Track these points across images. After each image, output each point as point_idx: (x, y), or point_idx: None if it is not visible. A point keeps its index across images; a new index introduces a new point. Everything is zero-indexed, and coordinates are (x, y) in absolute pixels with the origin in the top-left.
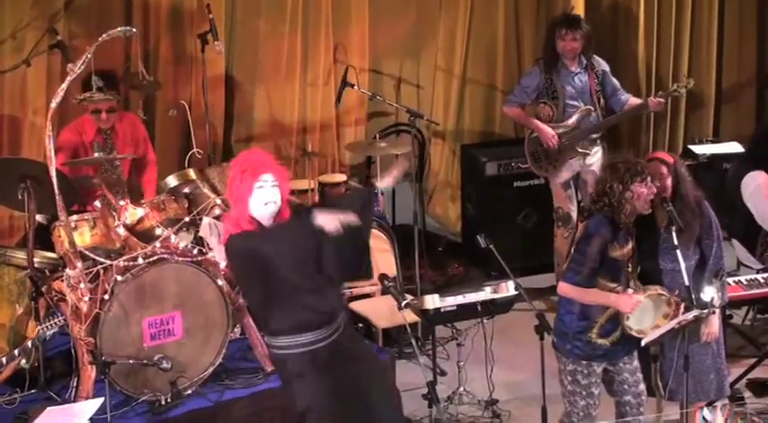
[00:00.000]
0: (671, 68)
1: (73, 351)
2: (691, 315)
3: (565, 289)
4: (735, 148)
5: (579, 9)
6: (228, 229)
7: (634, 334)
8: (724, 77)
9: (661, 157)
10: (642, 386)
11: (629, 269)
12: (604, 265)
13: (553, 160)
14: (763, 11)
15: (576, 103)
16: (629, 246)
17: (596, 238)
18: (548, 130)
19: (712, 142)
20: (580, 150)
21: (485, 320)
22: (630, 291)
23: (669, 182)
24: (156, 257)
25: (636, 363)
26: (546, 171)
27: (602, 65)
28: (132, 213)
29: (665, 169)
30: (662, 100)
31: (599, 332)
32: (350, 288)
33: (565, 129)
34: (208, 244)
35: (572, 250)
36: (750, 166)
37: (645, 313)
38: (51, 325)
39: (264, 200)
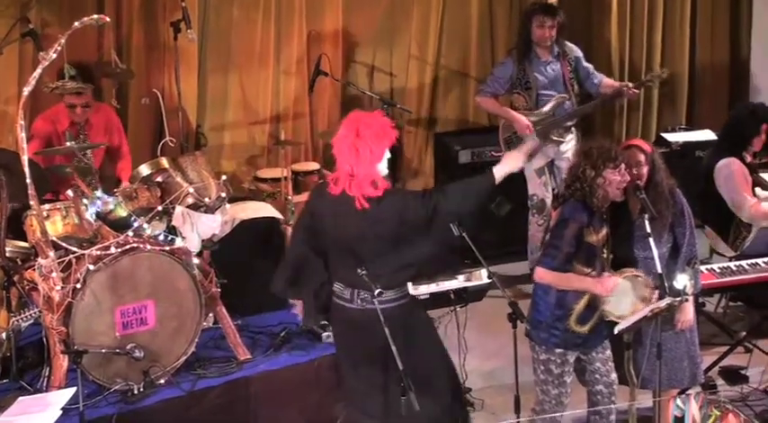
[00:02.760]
0: (644, 56)
1: (45, 340)
2: (664, 303)
3: (541, 274)
4: (708, 135)
5: None
6: (330, 181)
7: (613, 319)
8: (697, 65)
9: (639, 144)
10: (614, 375)
11: (604, 255)
12: (580, 250)
13: None
14: None
15: (548, 92)
16: (604, 231)
17: (572, 223)
18: (522, 119)
19: (685, 130)
20: (555, 138)
21: (458, 308)
22: (606, 274)
23: (646, 170)
24: (128, 246)
25: (608, 352)
26: None
27: (575, 51)
28: (105, 202)
29: (642, 157)
30: (636, 91)
31: (577, 320)
32: None
33: (538, 117)
34: (181, 233)
35: (547, 236)
36: (723, 152)
37: (623, 297)
38: (26, 317)
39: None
